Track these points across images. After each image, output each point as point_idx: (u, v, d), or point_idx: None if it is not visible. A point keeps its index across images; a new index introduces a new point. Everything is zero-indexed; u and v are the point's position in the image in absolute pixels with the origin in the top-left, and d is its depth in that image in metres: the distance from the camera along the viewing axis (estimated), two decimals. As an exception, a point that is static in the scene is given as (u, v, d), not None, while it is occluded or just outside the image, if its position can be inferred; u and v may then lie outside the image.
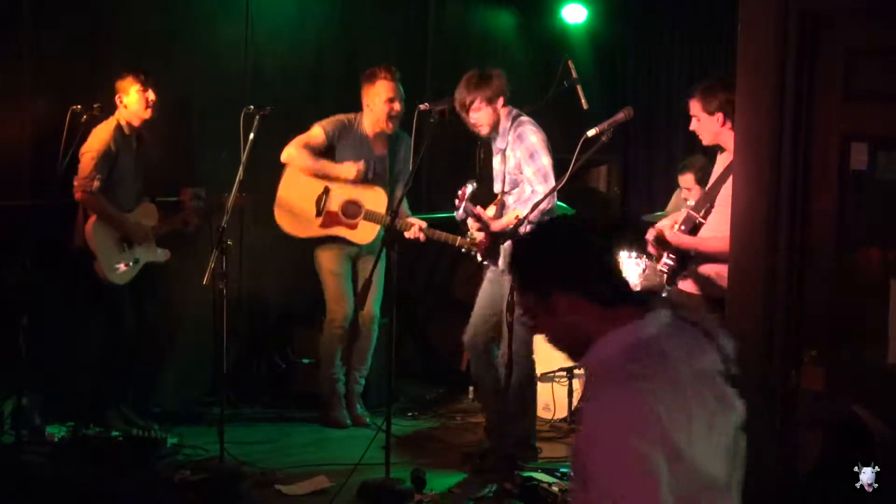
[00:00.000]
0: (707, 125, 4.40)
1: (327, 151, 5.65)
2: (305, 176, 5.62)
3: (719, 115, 4.36)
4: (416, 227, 5.42)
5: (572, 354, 2.25)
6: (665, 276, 4.49)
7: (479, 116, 5.03)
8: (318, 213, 5.64)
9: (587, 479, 1.96)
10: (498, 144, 5.11)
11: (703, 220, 4.35)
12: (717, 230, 4.23)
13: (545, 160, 4.93)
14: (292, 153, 5.60)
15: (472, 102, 4.97)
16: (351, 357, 5.80)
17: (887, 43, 3.47)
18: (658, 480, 1.92)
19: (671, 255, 4.37)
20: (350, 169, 5.56)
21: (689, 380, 2.02)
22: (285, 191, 5.70)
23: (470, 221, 5.00)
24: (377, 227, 5.59)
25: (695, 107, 4.43)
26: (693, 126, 4.47)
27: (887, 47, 3.48)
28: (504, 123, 5.05)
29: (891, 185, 3.59)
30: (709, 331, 2.15)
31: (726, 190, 4.28)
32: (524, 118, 5.05)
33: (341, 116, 5.68)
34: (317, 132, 5.63)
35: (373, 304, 5.75)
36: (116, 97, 5.18)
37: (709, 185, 4.49)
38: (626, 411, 1.96)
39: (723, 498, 2.06)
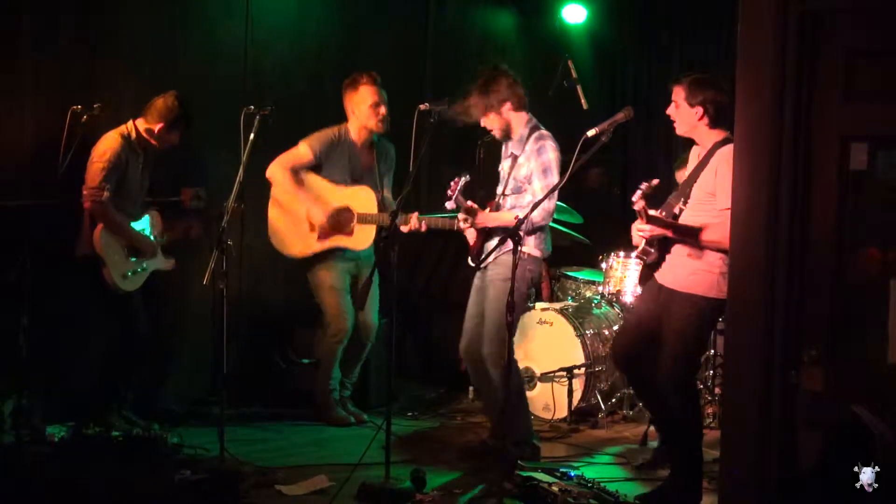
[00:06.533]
0: (685, 115, 4.45)
1: (314, 167, 5.67)
2: (290, 194, 5.64)
3: (699, 110, 4.41)
4: (413, 218, 5.33)
5: None
6: (641, 266, 4.54)
7: (489, 122, 5.11)
8: (313, 228, 5.64)
9: None
10: (511, 149, 5.11)
11: (683, 207, 4.39)
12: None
13: (555, 179, 4.95)
14: (277, 176, 5.63)
15: (481, 108, 5.04)
16: (344, 366, 5.81)
17: (887, 43, 3.47)
18: None
19: (648, 245, 4.42)
20: (319, 215, 5.58)
21: None
22: (275, 214, 5.72)
23: (460, 214, 5.03)
24: (373, 229, 5.58)
25: (678, 93, 4.47)
26: (670, 111, 4.51)
27: (887, 48, 3.48)
28: (521, 130, 5.06)
29: (891, 185, 3.59)
30: None
31: (699, 191, 4.34)
32: (545, 132, 5.06)
33: (328, 132, 5.68)
34: (304, 151, 5.64)
35: (372, 314, 5.75)
36: (150, 113, 5.14)
37: (685, 177, 4.52)
38: None
39: None
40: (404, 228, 5.30)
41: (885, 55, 3.49)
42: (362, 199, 5.60)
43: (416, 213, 5.34)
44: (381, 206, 5.64)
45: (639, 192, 4.29)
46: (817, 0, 3.61)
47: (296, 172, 5.62)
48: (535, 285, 5.29)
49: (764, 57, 3.62)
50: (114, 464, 4.58)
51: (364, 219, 5.57)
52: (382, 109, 5.58)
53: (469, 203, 4.99)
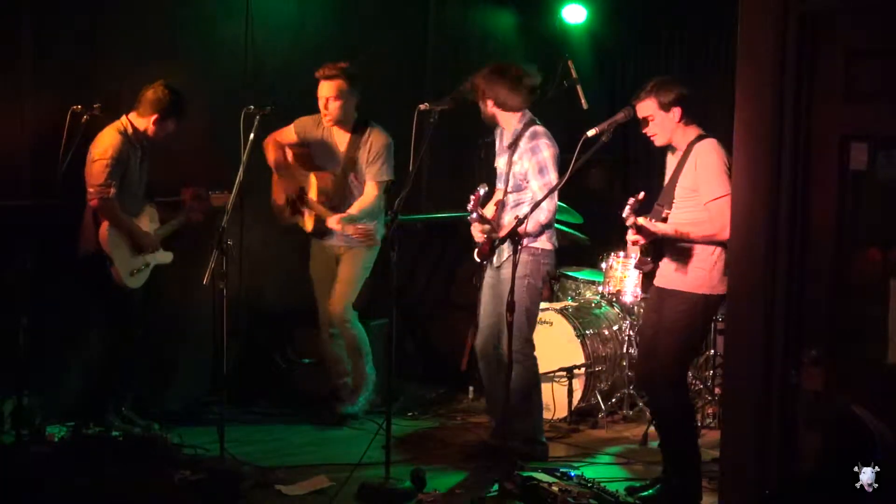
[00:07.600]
0: (663, 122, 4.41)
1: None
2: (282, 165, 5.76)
3: (675, 110, 4.37)
4: (334, 220, 5.47)
5: None
6: (641, 276, 4.56)
7: (484, 107, 5.10)
8: (288, 201, 5.73)
9: None
10: (504, 143, 5.11)
11: (669, 212, 4.39)
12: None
13: (553, 176, 4.95)
14: (271, 146, 5.70)
15: (482, 91, 5.04)
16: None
17: (887, 43, 3.48)
18: None
19: (644, 255, 4.43)
20: (288, 191, 5.70)
21: None
22: (276, 179, 5.80)
23: (475, 224, 5.00)
24: (314, 217, 5.65)
25: (649, 106, 4.40)
26: (647, 129, 4.47)
27: (887, 48, 3.48)
28: (515, 125, 5.06)
29: (891, 185, 3.59)
30: None
31: (681, 190, 4.35)
32: (540, 128, 5.05)
33: (312, 116, 5.72)
34: (289, 131, 5.73)
35: (341, 302, 5.65)
36: (143, 106, 5.12)
37: (665, 182, 4.51)
38: None
39: None
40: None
41: (885, 55, 3.49)
42: (317, 186, 5.67)
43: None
44: (348, 192, 5.64)
45: (627, 209, 4.28)
46: (817, 0, 3.61)
47: (283, 149, 5.73)
48: (549, 279, 5.29)
49: (764, 57, 3.63)
50: (114, 464, 4.58)
51: (313, 206, 5.63)
52: (331, 106, 5.55)
53: (491, 217, 4.97)
